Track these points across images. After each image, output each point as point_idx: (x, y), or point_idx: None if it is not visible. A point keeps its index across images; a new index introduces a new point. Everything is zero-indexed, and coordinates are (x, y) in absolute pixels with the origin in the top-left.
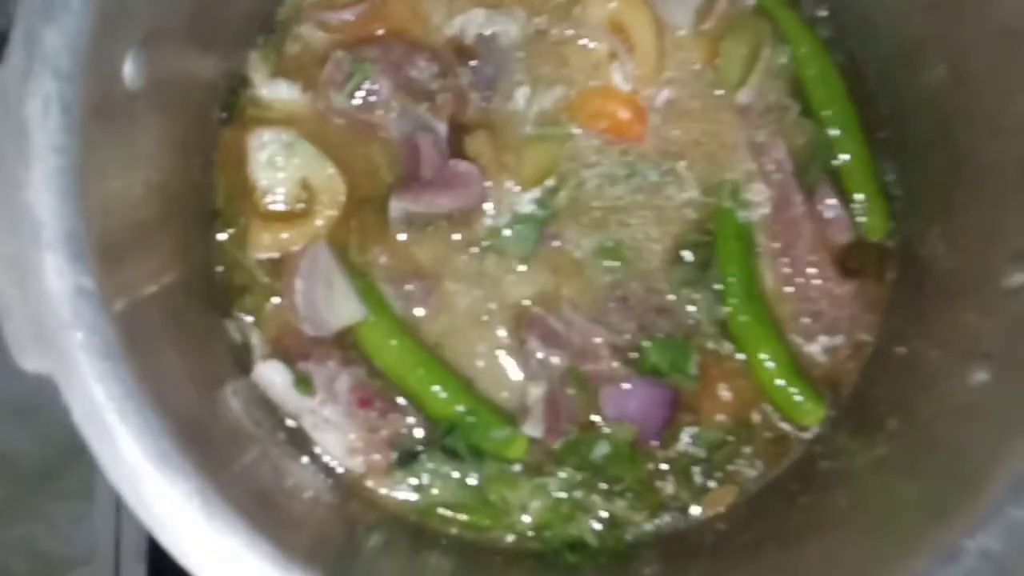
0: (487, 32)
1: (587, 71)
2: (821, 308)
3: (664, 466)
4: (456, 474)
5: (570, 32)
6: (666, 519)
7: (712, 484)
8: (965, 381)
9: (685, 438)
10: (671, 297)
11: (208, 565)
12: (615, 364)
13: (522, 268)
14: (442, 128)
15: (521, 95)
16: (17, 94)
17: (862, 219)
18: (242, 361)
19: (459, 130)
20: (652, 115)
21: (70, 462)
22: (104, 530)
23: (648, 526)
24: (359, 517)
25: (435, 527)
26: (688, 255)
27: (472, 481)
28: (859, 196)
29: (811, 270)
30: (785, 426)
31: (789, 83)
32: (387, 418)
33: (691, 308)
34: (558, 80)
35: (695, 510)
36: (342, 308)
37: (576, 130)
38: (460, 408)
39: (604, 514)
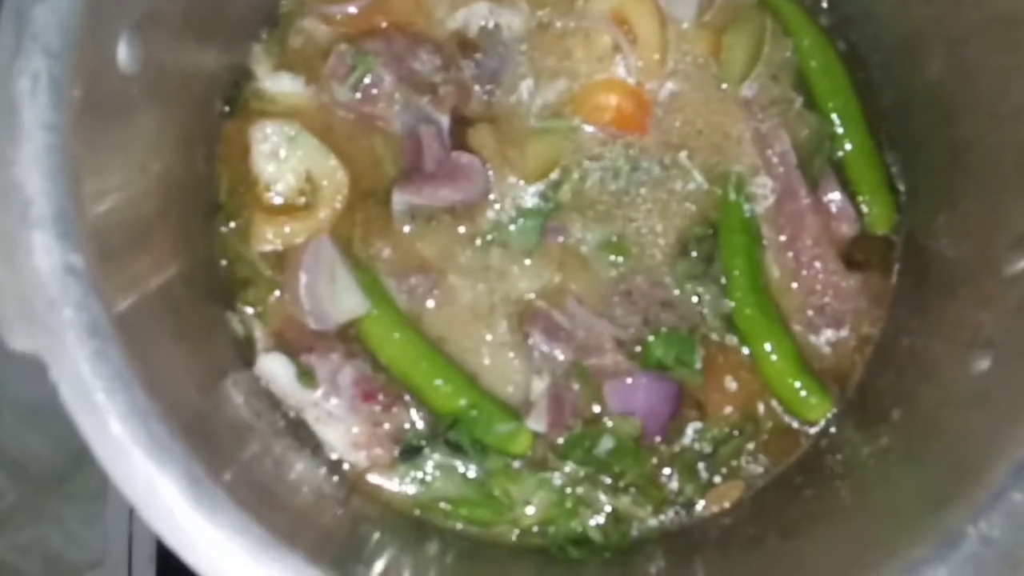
0: (490, 25)
1: (591, 64)
2: (827, 301)
3: (668, 462)
4: (459, 468)
5: (573, 25)
6: (671, 515)
7: (717, 479)
8: (968, 369)
9: (690, 433)
10: (676, 291)
11: (203, 552)
12: (619, 358)
13: (527, 262)
14: (444, 121)
15: (524, 88)
16: (6, 71)
17: (867, 212)
18: (244, 354)
19: (462, 123)
20: (655, 108)
21: (83, 465)
22: (117, 534)
23: (653, 522)
24: (362, 512)
25: (438, 522)
26: (693, 249)
27: (475, 476)
28: (864, 189)
29: (816, 263)
30: (790, 421)
31: (792, 76)
32: (390, 412)
33: (696, 302)
34: (561, 73)
35: (700, 505)
36: (345, 301)
37: (580, 123)
38: (463, 402)
39: (608, 509)
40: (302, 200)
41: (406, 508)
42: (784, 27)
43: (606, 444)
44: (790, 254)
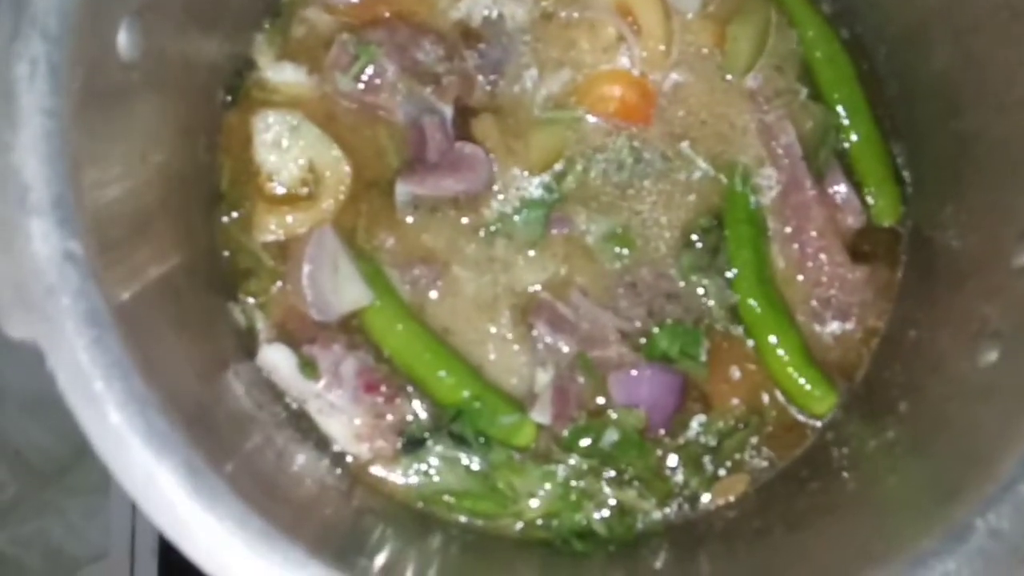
0: (494, 15)
1: (595, 54)
2: (832, 293)
3: (673, 454)
4: (463, 461)
5: (577, 15)
6: (676, 508)
7: (722, 473)
8: (975, 361)
9: (695, 426)
10: (680, 283)
11: (203, 543)
12: (624, 350)
13: (531, 253)
14: (448, 111)
15: (528, 78)
16: (4, 55)
17: (873, 203)
18: (246, 344)
19: (466, 113)
20: (660, 99)
21: (85, 458)
22: (119, 526)
23: (657, 515)
24: (364, 504)
25: (441, 514)
26: (698, 240)
27: (479, 468)
28: (870, 180)
29: (822, 255)
30: (796, 414)
31: (797, 67)
32: (393, 403)
33: (701, 293)
34: (565, 63)
35: (705, 499)
36: (348, 292)
37: (584, 114)
38: (467, 394)
39: (613, 502)
40: (305, 190)
41: (409, 501)
42: (789, 18)
43: (611, 436)
44: (795, 246)
